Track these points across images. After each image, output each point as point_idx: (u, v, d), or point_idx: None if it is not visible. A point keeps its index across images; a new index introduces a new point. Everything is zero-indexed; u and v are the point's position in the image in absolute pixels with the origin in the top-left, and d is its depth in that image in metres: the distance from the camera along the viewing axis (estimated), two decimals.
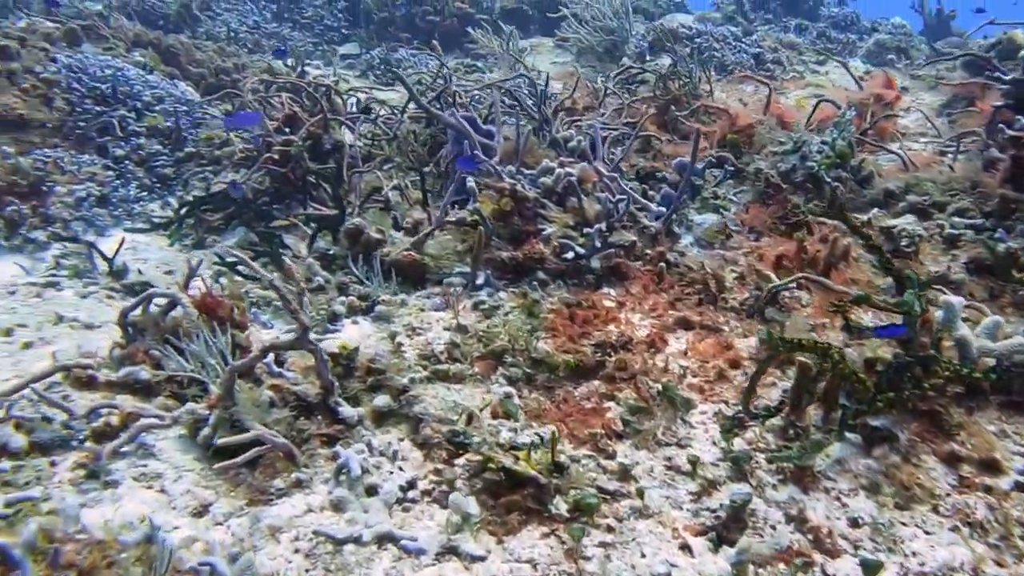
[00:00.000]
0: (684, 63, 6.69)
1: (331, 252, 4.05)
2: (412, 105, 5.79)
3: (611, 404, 2.77)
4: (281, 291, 2.38)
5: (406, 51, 9.55)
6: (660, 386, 2.78)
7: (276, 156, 5.03)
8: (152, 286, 4.32)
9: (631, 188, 4.15)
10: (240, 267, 4.12)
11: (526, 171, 4.04)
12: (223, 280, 4.03)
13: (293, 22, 11.16)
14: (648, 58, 8.81)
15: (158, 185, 5.58)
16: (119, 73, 5.95)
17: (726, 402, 2.76)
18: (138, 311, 2.97)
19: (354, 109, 6.04)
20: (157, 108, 5.92)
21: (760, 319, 3.29)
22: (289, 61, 9.02)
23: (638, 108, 5.45)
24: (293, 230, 4.97)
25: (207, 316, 2.85)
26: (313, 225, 4.84)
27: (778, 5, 11.24)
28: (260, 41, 10.23)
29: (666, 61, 8.65)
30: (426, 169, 5.31)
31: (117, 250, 4.42)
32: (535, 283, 3.58)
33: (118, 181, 5.35)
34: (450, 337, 3.17)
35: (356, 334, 3.40)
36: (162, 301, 2.99)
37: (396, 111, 6.05)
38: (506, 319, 3.26)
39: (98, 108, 5.67)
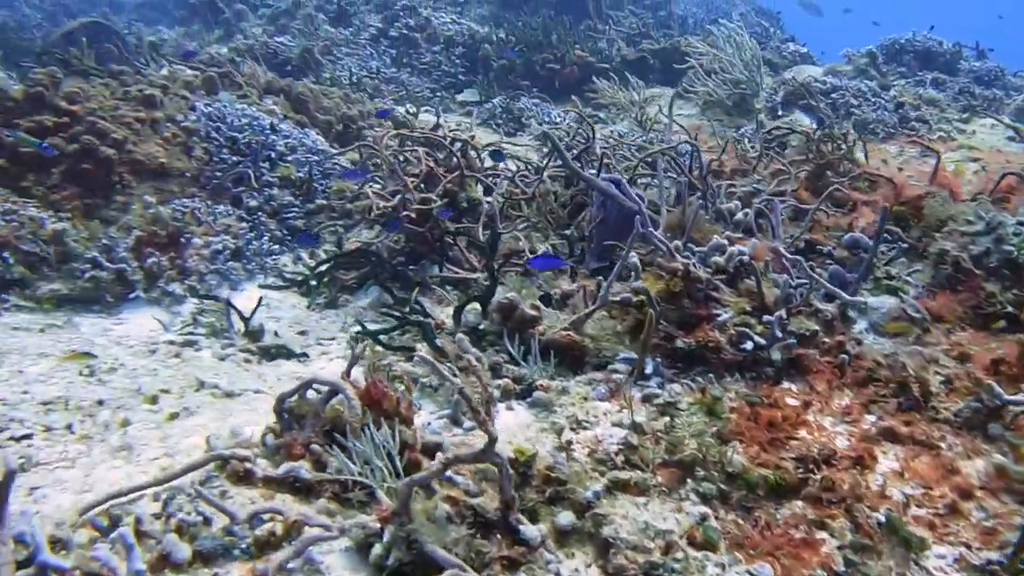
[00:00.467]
0: (833, 122, 6.31)
1: (481, 327, 3.81)
2: (547, 160, 5.60)
3: (823, 535, 2.42)
4: (470, 402, 2.13)
5: (528, 100, 9.41)
6: (883, 517, 2.42)
7: (413, 215, 4.86)
8: (287, 349, 4.18)
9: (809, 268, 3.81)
10: (381, 336, 3.94)
11: (696, 248, 3.74)
12: (365, 351, 3.85)
13: (411, 67, 11.18)
14: (780, 113, 8.45)
15: (289, 237, 5.48)
16: (255, 122, 5.91)
17: (967, 545, 2.38)
18: (295, 397, 2.77)
19: (488, 164, 5.87)
20: (290, 158, 5.85)
21: (983, 437, 2.89)
22: (410, 108, 8.97)
23: (791, 173, 5.09)
24: (428, 291, 4.79)
25: (372, 408, 2.63)
26: (452, 289, 4.64)
27: (912, 58, 10.73)
28: (380, 86, 10.24)
29: (800, 116, 8.28)
30: (566, 233, 5.09)
31: (254, 310, 4.29)
32: (710, 375, 3.27)
33: (251, 234, 5.27)
34: (625, 436, 2.88)
35: (513, 422, 3.14)
36: (323, 387, 2.78)
37: (530, 166, 5.85)
38: (689, 420, 2.95)
39: (234, 158, 5.63)
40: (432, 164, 5.25)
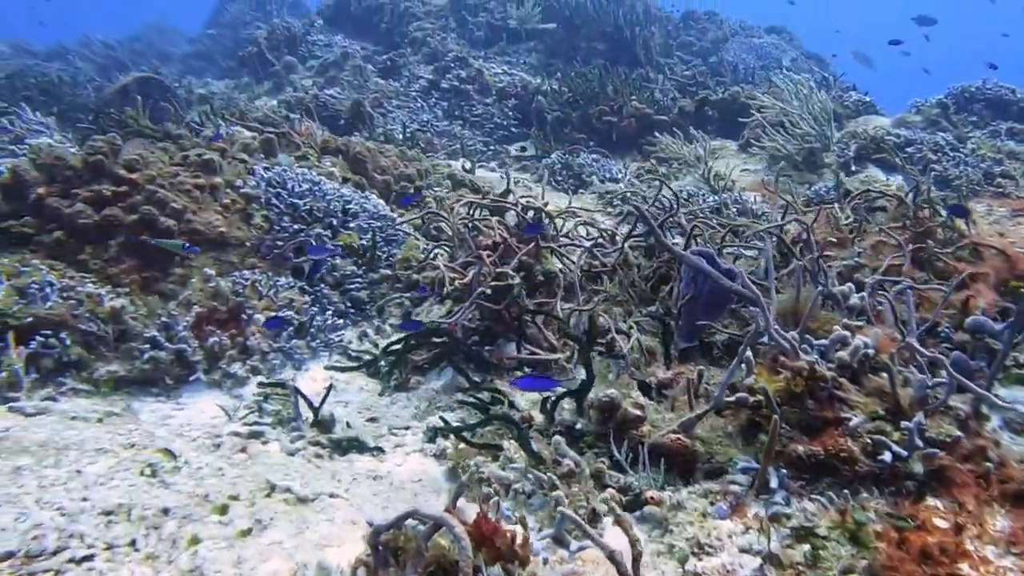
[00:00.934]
0: (927, 184, 5.93)
1: (578, 427, 3.47)
2: (631, 229, 5.28)
3: None
4: (618, 564, 1.79)
5: (587, 155, 9.13)
6: None
7: (489, 291, 4.56)
8: (360, 442, 3.86)
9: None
10: (465, 433, 3.61)
11: (815, 341, 3.38)
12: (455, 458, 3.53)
13: (463, 120, 10.99)
14: (854, 169, 8.09)
15: (352, 310, 5.20)
16: (315, 187, 5.67)
17: None
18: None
19: (561, 232, 5.56)
20: (352, 224, 5.60)
21: None
22: (465, 164, 8.73)
23: (904, 250, 4.70)
24: (505, 373, 4.47)
25: (482, 545, 2.29)
26: (530, 371, 4.32)
27: (983, 106, 10.32)
28: (432, 140, 10.04)
29: (876, 173, 7.92)
30: (650, 309, 4.75)
31: (323, 399, 3.99)
32: (844, 491, 2.89)
33: (315, 308, 5.00)
34: (760, 568, 2.52)
35: (624, 543, 2.79)
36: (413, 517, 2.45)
37: (605, 233, 5.53)
38: (836, 553, 2.57)
39: (296, 226, 5.38)
40: (505, 234, 4.96)
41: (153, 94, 11.20)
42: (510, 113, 11.12)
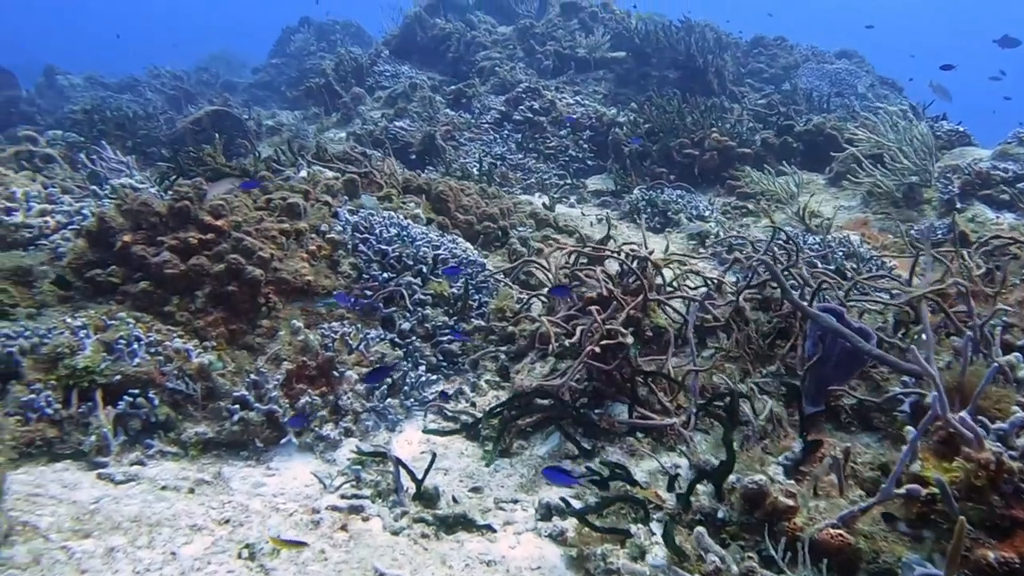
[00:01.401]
0: None
1: (719, 514, 3.11)
2: (747, 281, 4.92)
3: None
4: None
5: (671, 191, 8.78)
6: None
7: (598, 349, 4.23)
8: (468, 519, 3.55)
9: None
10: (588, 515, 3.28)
11: (991, 425, 2.99)
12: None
13: (537, 152, 10.72)
14: (959, 206, 7.61)
15: (444, 364, 4.92)
16: (404, 232, 5.42)
17: None
18: None
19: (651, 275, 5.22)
20: (441, 271, 5.32)
21: None
22: (545, 200, 8.45)
23: None
24: (616, 439, 4.14)
25: None
26: (643, 436, 3.98)
27: None
28: (508, 174, 9.79)
29: (983, 210, 7.45)
30: (771, 368, 4.38)
31: (427, 470, 3.69)
32: None
33: (407, 362, 4.72)
34: None
35: None
36: None
37: (711, 282, 5.18)
38: None
39: (385, 274, 5.13)
40: (610, 286, 4.64)
41: (225, 127, 11.16)
42: (585, 145, 10.82)
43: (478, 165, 9.73)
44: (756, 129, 10.83)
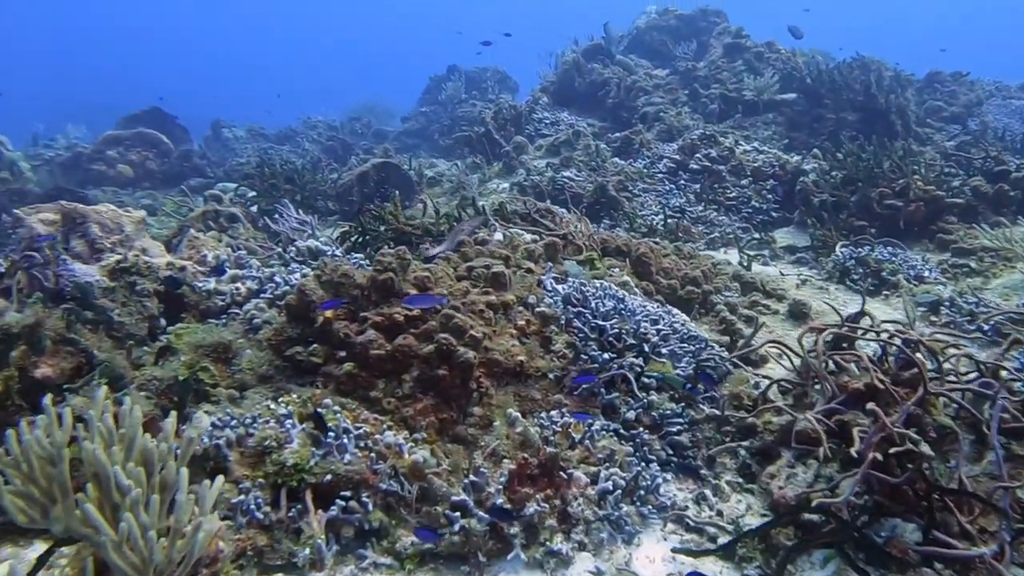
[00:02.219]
0: None
1: None
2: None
3: None
4: None
5: (882, 248, 7.90)
6: None
7: (880, 456, 3.50)
8: None
9: None
10: None
11: None
12: None
13: (717, 204, 10.02)
14: None
15: (674, 459, 4.28)
16: (620, 305, 4.84)
17: None
18: None
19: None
20: (664, 350, 4.71)
21: None
22: (727, 254, 7.73)
23: None
24: (909, 570, 3.38)
25: None
26: (941, 568, 3.22)
27: None
28: (690, 228, 9.12)
29: None
30: None
31: None
32: None
33: (636, 458, 4.11)
34: None
35: None
36: None
37: (984, 367, 4.35)
38: None
39: (606, 355, 4.55)
40: (880, 375, 3.90)
41: (391, 179, 10.98)
42: (769, 195, 10.04)
43: (659, 219, 9.11)
44: (954, 174, 9.77)
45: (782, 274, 7.73)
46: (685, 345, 4.82)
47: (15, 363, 3.85)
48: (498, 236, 5.63)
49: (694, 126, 13.01)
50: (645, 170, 10.86)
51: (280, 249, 6.34)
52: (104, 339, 4.45)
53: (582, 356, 4.53)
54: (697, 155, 10.71)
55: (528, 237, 5.73)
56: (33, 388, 3.86)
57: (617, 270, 5.73)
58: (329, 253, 5.94)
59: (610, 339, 4.62)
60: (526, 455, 3.88)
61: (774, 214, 9.87)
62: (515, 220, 6.96)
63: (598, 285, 5.02)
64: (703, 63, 15.84)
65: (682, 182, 10.46)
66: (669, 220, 9.03)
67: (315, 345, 4.29)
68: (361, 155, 16.25)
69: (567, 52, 16.36)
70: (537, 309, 4.74)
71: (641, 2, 20.59)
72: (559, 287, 5.03)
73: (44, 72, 57.09)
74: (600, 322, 4.66)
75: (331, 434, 3.68)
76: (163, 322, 5.13)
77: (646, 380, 4.50)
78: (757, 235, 9.21)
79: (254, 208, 8.73)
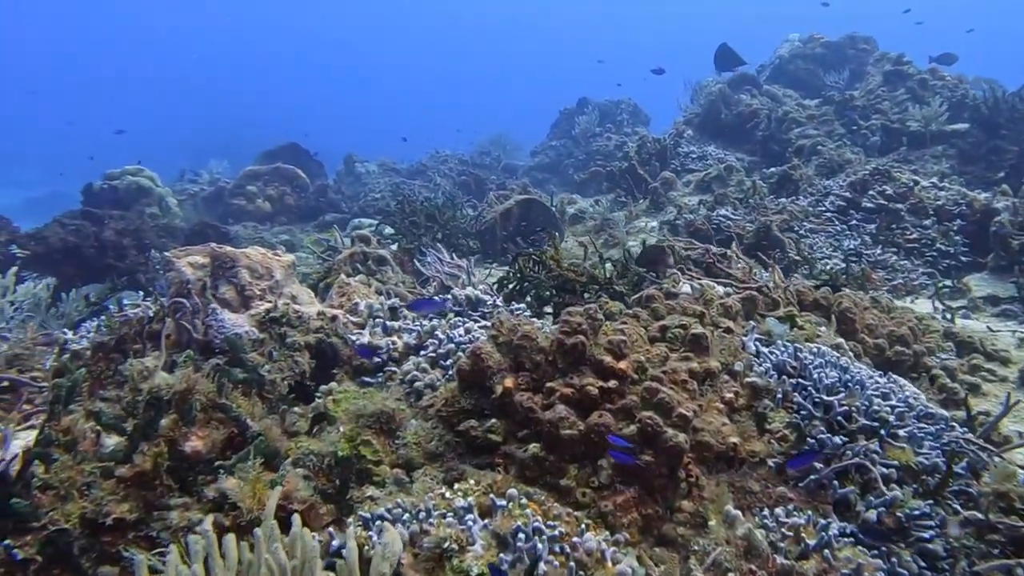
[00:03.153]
0: None
1: None
2: None
3: None
4: None
5: None
6: None
7: None
8: None
9: None
10: None
11: None
12: None
13: (896, 246, 9.02)
14: None
15: (927, 573, 3.45)
16: (846, 375, 4.06)
17: None
18: None
19: None
20: (902, 432, 3.89)
21: None
22: (945, 315, 6.76)
23: None
24: None
25: None
26: None
27: None
28: (871, 274, 8.17)
29: None
30: None
31: None
32: None
33: (885, 574, 3.31)
34: None
35: None
36: None
37: None
38: None
39: (836, 439, 3.77)
40: None
41: (534, 216, 10.45)
42: (957, 238, 8.97)
43: (832, 263, 8.21)
44: None
45: (990, 329, 6.72)
46: (923, 425, 3.99)
47: (164, 434, 3.39)
48: (686, 288, 4.93)
49: (857, 160, 12.01)
50: (810, 208, 9.95)
51: (435, 296, 5.82)
52: (257, 403, 3.97)
53: (809, 440, 3.77)
54: (870, 192, 9.73)
55: (720, 290, 5.01)
56: (183, 463, 3.39)
57: (823, 328, 4.93)
58: (490, 303, 5.37)
59: (838, 418, 3.85)
60: (753, 566, 3.16)
61: (963, 258, 8.79)
62: (688, 265, 6.26)
63: (814, 350, 4.26)
64: (859, 92, 14.77)
65: (854, 222, 9.50)
66: (854, 267, 8.11)
67: (493, 420, 3.69)
68: (495, 190, 15.86)
69: (710, 82, 15.58)
70: (747, 379, 4.01)
71: (769, 31, 19.74)
72: (766, 350, 4.29)
73: (193, 109, 59.88)
74: (825, 397, 3.89)
75: (520, 535, 3.05)
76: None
77: (884, 470, 3.70)
78: (948, 282, 8.18)
79: (394, 246, 8.31)
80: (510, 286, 6.13)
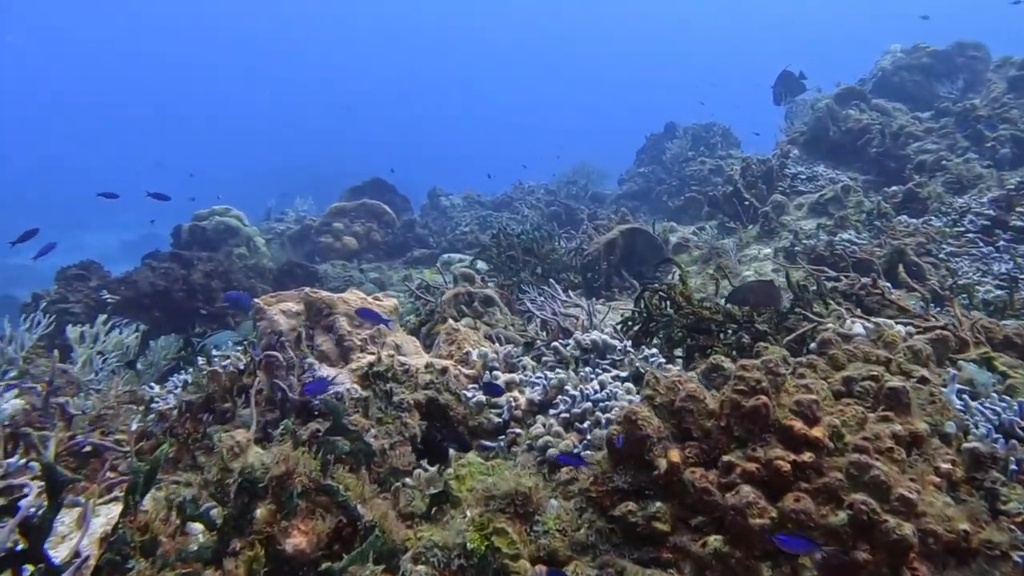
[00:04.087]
0: None
1: None
2: None
3: None
4: None
5: None
6: None
7: None
8: None
9: None
10: None
11: None
12: None
13: None
14: None
15: None
16: None
17: None
18: None
19: None
20: None
21: None
22: None
23: None
24: None
25: None
26: None
27: None
28: None
29: None
30: None
31: None
32: None
33: None
34: None
35: None
36: None
37: None
38: None
39: None
40: None
41: (637, 246, 9.73)
42: None
43: (991, 289, 7.26)
44: None
45: None
46: None
47: (260, 529, 2.78)
48: (858, 328, 4.15)
49: (989, 174, 10.97)
50: (947, 229, 8.99)
51: (548, 340, 5.17)
52: (365, 480, 3.35)
53: None
54: (1018, 208, 8.72)
55: (900, 329, 4.21)
56: (283, 566, 2.77)
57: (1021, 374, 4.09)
58: (619, 348, 4.68)
59: None
60: None
61: None
62: (836, 300, 5.46)
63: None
64: (981, 101, 13.66)
65: (1001, 243, 8.51)
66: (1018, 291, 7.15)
67: (658, 504, 2.98)
68: (587, 220, 15.21)
69: (819, 97, 14.66)
70: (964, 445, 3.22)
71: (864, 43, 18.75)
72: (976, 405, 3.49)
73: (271, 147, 61.03)
74: None
75: None
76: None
77: None
78: None
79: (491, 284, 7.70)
80: (635, 327, 5.43)
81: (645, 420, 3.10)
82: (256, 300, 5.19)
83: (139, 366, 7.62)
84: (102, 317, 7.82)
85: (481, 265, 9.71)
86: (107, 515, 4.01)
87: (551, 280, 6.54)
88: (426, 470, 3.93)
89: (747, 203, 11.77)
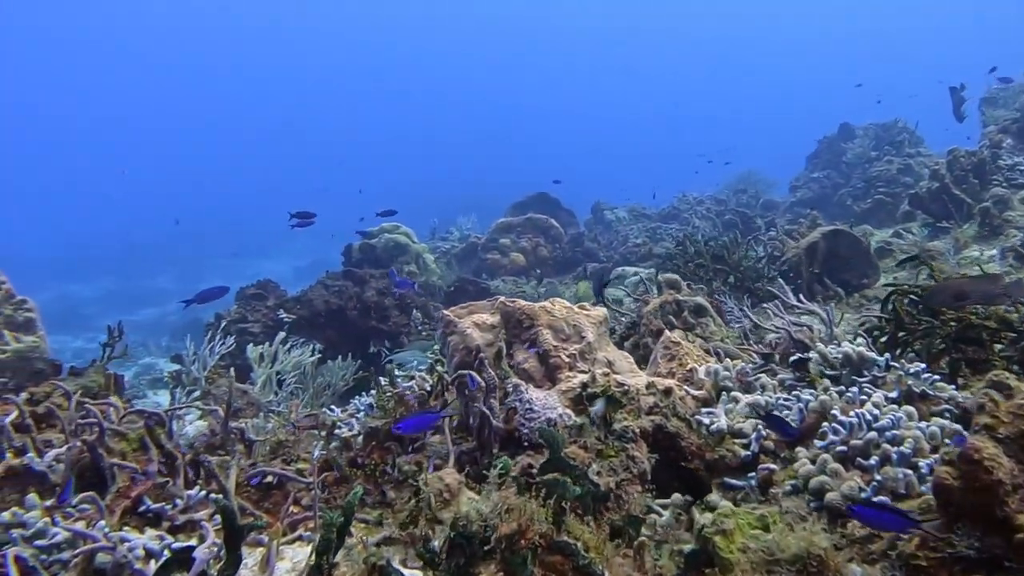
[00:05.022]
0: None
1: None
2: None
3: None
4: None
5: None
6: None
7: None
8: None
9: None
10: None
11: None
12: None
13: None
14: None
15: None
16: None
17: None
18: None
19: None
20: None
21: None
22: None
23: None
24: None
25: None
26: None
27: None
28: None
29: None
30: None
31: None
32: None
33: None
34: None
35: None
36: None
37: None
38: None
39: None
40: None
41: (839, 249, 8.73)
42: None
43: None
44: None
45: None
46: None
47: None
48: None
49: None
50: None
51: (781, 354, 4.40)
52: (604, 532, 2.71)
53: None
54: None
55: None
56: None
57: None
58: (880, 362, 3.86)
59: None
60: None
61: None
62: None
63: None
64: None
65: None
66: None
67: None
68: (764, 228, 14.16)
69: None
70: None
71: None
72: None
73: (426, 164, 62.05)
74: None
75: None
76: None
77: None
78: None
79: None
80: (882, 338, 4.58)
81: (992, 460, 2.31)
82: (445, 312, 4.68)
83: (311, 388, 7.36)
84: (280, 335, 7.62)
85: (672, 276, 8.95)
86: (292, 559, 3.53)
87: (779, 281, 5.73)
88: (659, 514, 3.27)
89: (959, 200, 10.48)
